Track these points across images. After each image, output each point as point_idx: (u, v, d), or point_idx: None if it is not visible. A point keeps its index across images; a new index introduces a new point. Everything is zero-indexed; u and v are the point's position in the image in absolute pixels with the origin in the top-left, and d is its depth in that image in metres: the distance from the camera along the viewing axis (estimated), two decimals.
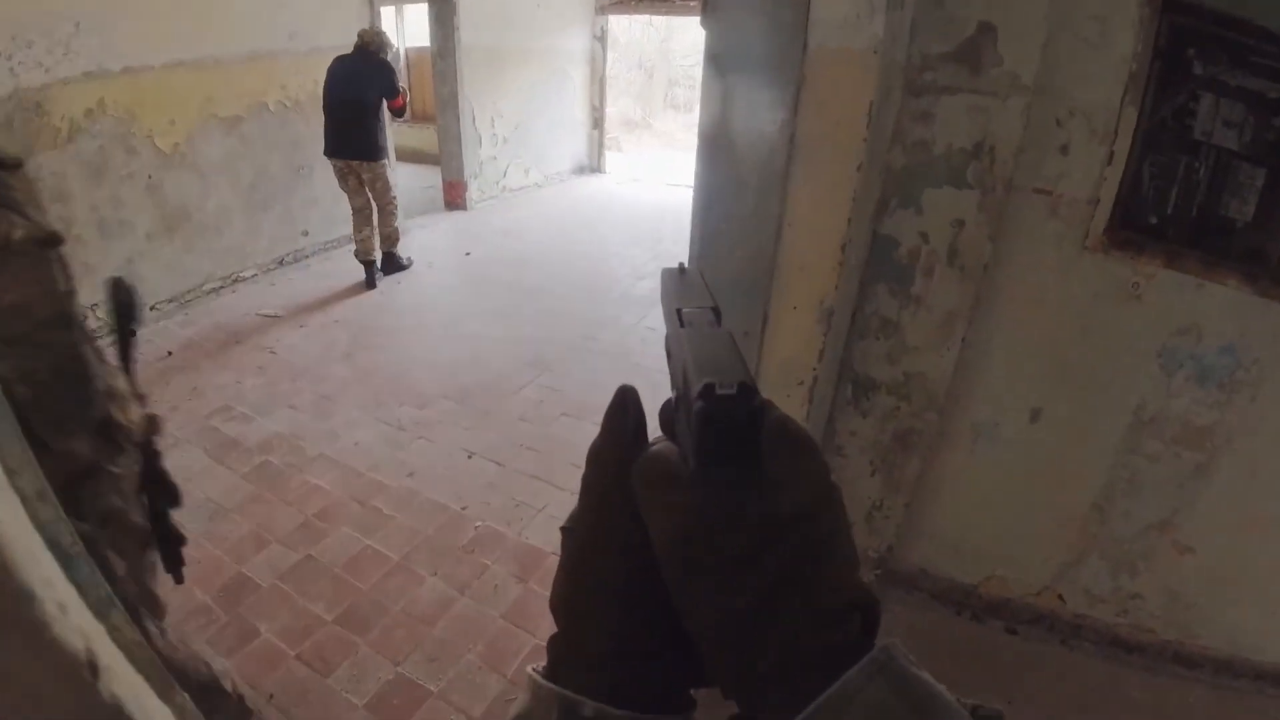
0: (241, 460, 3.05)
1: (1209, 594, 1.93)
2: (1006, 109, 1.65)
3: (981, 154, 1.67)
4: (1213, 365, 1.73)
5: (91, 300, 3.65)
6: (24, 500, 0.40)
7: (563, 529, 0.36)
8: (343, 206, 5.37)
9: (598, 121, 8.77)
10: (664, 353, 0.37)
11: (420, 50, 6.87)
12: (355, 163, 4.63)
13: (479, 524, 2.64)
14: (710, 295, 0.37)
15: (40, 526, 0.41)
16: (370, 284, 4.97)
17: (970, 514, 2.12)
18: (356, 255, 4.93)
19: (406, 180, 6.25)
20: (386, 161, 4.77)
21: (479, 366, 3.86)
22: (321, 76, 5.00)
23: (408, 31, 9.27)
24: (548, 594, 0.37)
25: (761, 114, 1.25)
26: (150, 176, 4.24)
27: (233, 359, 3.96)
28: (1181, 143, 1.61)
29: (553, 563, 2.46)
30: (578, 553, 0.35)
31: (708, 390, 0.26)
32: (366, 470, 2.96)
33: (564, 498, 2.77)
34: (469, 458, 3.04)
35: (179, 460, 3.02)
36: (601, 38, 8.36)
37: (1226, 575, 1.89)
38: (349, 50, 4.54)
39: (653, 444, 0.33)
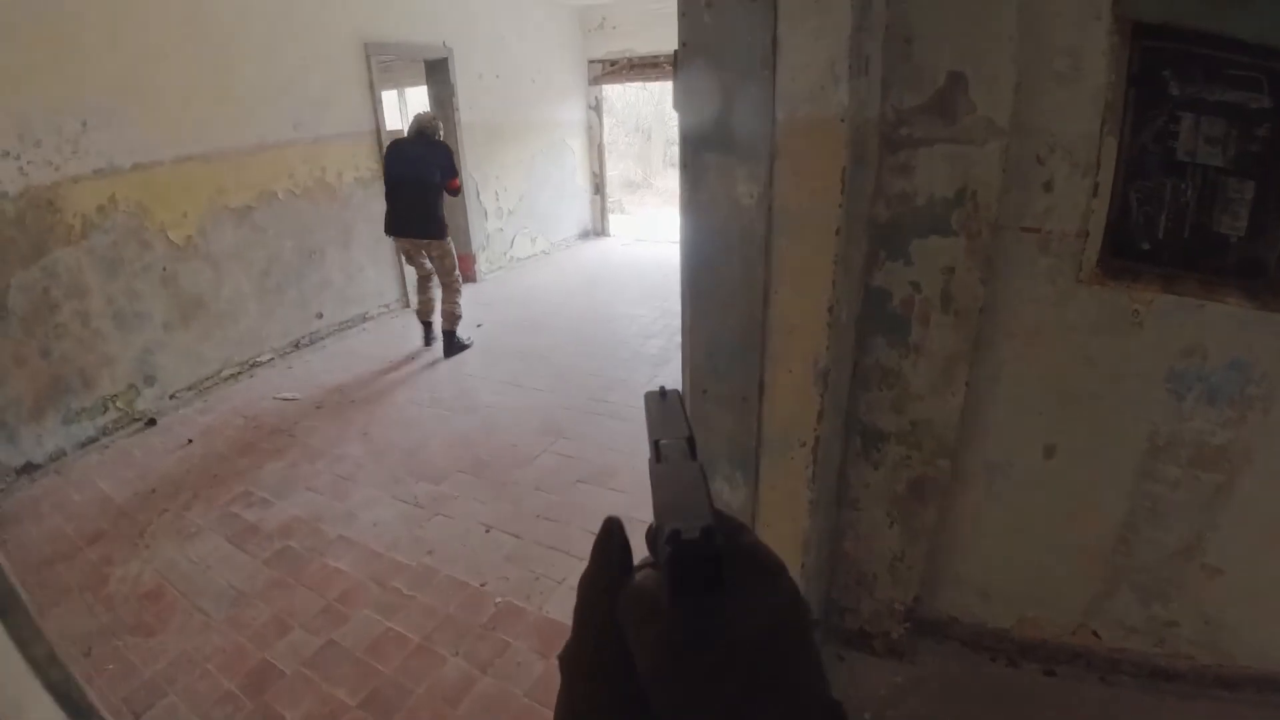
0: (261, 546, 3.06)
1: (1243, 614, 1.87)
2: (985, 154, 1.68)
3: (964, 200, 1.70)
4: (1221, 384, 1.71)
5: (111, 391, 3.74)
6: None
7: (558, 658, 0.37)
8: (355, 287, 5.61)
9: (598, 187, 9.00)
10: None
11: (395, 133, 7.12)
12: (416, 240, 4.85)
13: (499, 600, 2.61)
14: (687, 424, 0.40)
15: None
16: (427, 342, 5.30)
17: (994, 556, 2.08)
18: (418, 315, 5.28)
19: None
20: (450, 239, 4.96)
21: (493, 437, 3.88)
22: (328, 163, 5.26)
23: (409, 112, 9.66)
24: None
25: (739, 187, 1.29)
26: (164, 268, 4.39)
27: (251, 444, 4.01)
28: (1166, 166, 1.62)
29: None
30: (571, 682, 0.37)
31: (674, 536, 0.29)
32: (385, 550, 2.96)
33: (582, 568, 2.74)
34: (486, 532, 3.03)
35: (200, 549, 3.06)
36: (596, 107, 8.65)
37: (1259, 592, 1.83)
38: (404, 134, 4.89)
39: (639, 568, 0.35)
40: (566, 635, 1.19)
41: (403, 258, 5.11)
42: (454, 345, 5.18)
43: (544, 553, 2.86)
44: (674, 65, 1.29)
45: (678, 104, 1.31)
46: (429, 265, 5.03)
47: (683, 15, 1.25)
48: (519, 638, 2.42)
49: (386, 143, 5.38)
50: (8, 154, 3.54)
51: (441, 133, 4.97)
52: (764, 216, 1.27)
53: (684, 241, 1.44)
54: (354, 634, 2.52)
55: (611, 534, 0.36)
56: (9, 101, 3.53)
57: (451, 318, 5.10)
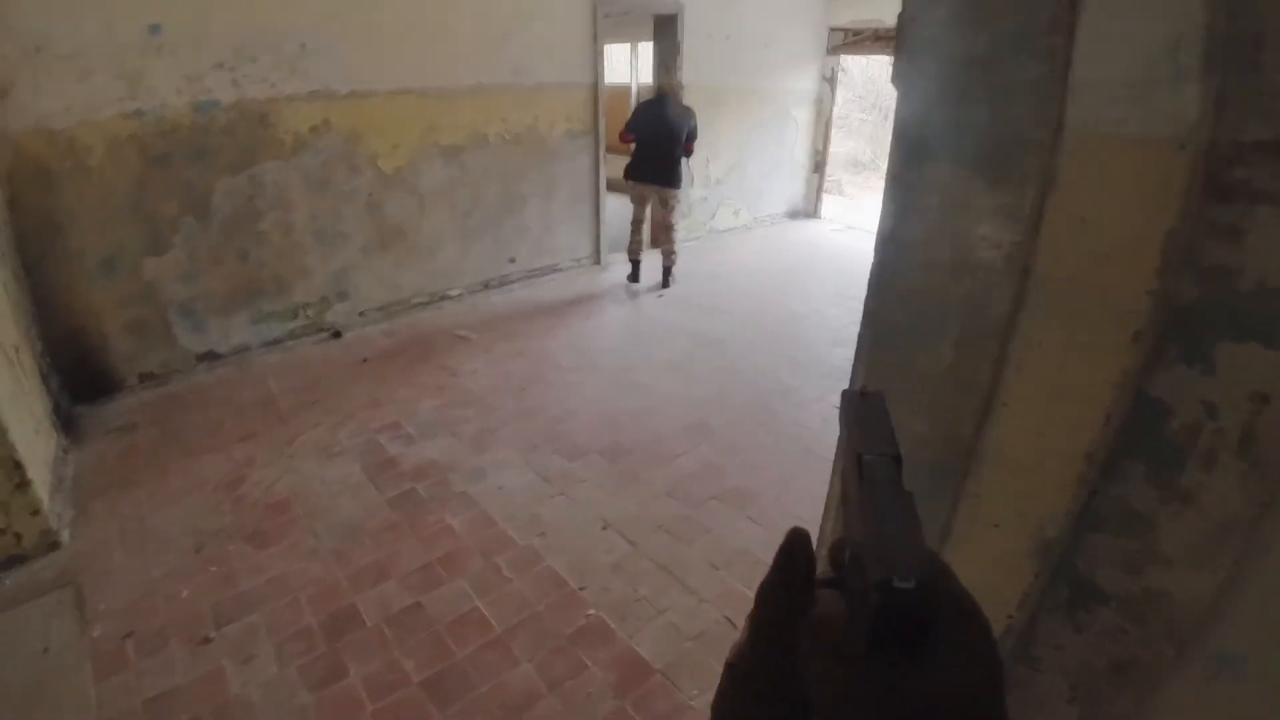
0: (392, 483, 3.08)
1: None
2: None
3: None
4: None
5: (304, 300, 3.99)
6: None
7: (728, 664, 0.35)
8: (551, 238, 5.84)
9: (819, 164, 8.31)
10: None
11: (616, 88, 6.88)
12: (662, 189, 5.47)
13: (591, 612, 2.37)
14: (893, 437, 0.36)
15: None
16: (633, 278, 5.88)
17: None
18: (629, 255, 5.84)
19: (616, 212, 6.30)
20: (681, 190, 5.65)
21: (639, 423, 3.64)
22: (541, 112, 5.24)
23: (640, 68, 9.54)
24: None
25: (975, 229, 0.83)
26: (370, 195, 4.59)
27: (417, 376, 4.12)
28: None
29: (656, 684, 2.11)
30: (738, 692, 0.35)
31: (885, 584, 0.26)
32: (501, 520, 2.84)
33: (689, 604, 2.42)
34: (603, 529, 2.80)
35: (337, 472, 3.14)
36: (831, 78, 7.90)
37: None
38: (652, 94, 5.54)
39: (820, 587, 0.33)
40: (649, 682, 2.02)
41: (634, 203, 5.65)
42: (669, 280, 5.88)
43: (653, 571, 2.57)
44: (901, 13, 0.84)
45: (897, 77, 0.87)
46: (647, 212, 5.72)
47: None
48: (598, 665, 2.16)
49: (607, 99, 5.76)
50: (221, 65, 3.77)
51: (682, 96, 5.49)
52: (1012, 282, 0.80)
53: (870, 295, 0.99)
54: (443, 603, 2.42)
55: (797, 547, 0.34)
56: (226, 18, 3.73)
57: (670, 255, 5.79)
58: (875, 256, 0.98)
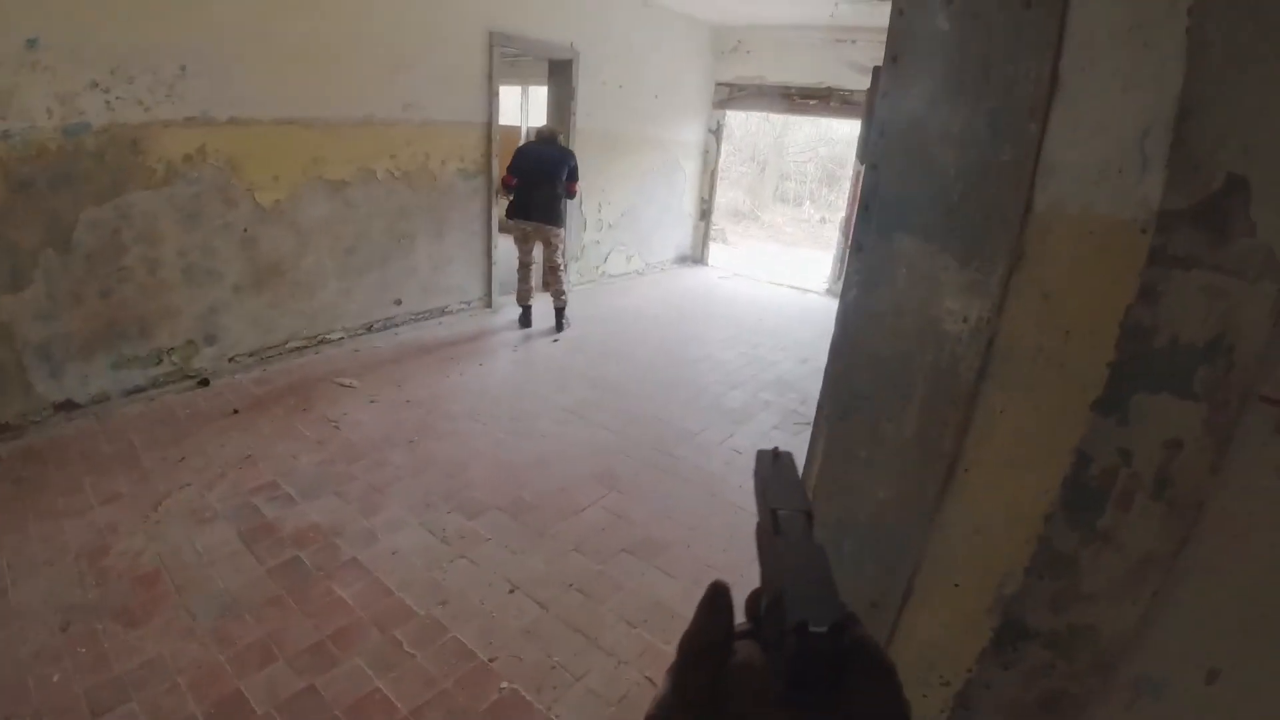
0: (272, 551, 2.80)
1: None
2: (1254, 295, 1.19)
3: (1217, 354, 1.20)
4: None
5: (169, 344, 3.60)
6: None
7: (648, 716, 0.36)
8: (440, 279, 5.71)
9: (705, 213, 8.62)
10: (748, 483, 0.45)
11: (508, 129, 6.89)
12: (544, 226, 5.45)
13: (504, 685, 2.23)
14: (804, 494, 0.39)
15: None
16: (524, 323, 5.84)
17: None
18: (518, 300, 5.83)
19: (508, 253, 6.20)
20: (564, 230, 5.69)
21: (543, 474, 3.53)
22: (433, 149, 5.13)
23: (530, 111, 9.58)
24: None
25: (942, 302, 0.86)
26: (245, 229, 4.25)
27: (296, 428, 3.80)
28: None
29: None
30: None
31: (801, 628, 0.29)
32: (397, 588, 2.64)
33: (607, 667, 2.33)
34: (510, 592, 2.66)
35: (210, 539, 2.83)
36: (716, 131, 8.28)
37: None
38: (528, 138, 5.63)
39: (739, 637, 0.35)
40: None
41: (518, 244, 5.61)
42: (563, 323, 5.85)
43: (567, 635, 2.47)
44: (871, 89, 0.87)
45: (866, 151, 0.89)
46: (534, 255, 5.66)
47: (899, 14, 0.83)
48: None
49: (500, 138, 5.77)
50: (96, 85, 3.43)
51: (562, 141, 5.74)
52: (978, 354, 0.84)
53: (833, 362, 1.00)
54: (339, 685, 2.20)
55: (718, 600, 0.36)
56: (106, 32, 3.42)
57: (561, 296, 5.75)
58: (838, 325, 1.00)
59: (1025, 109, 0.78)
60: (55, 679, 2.13)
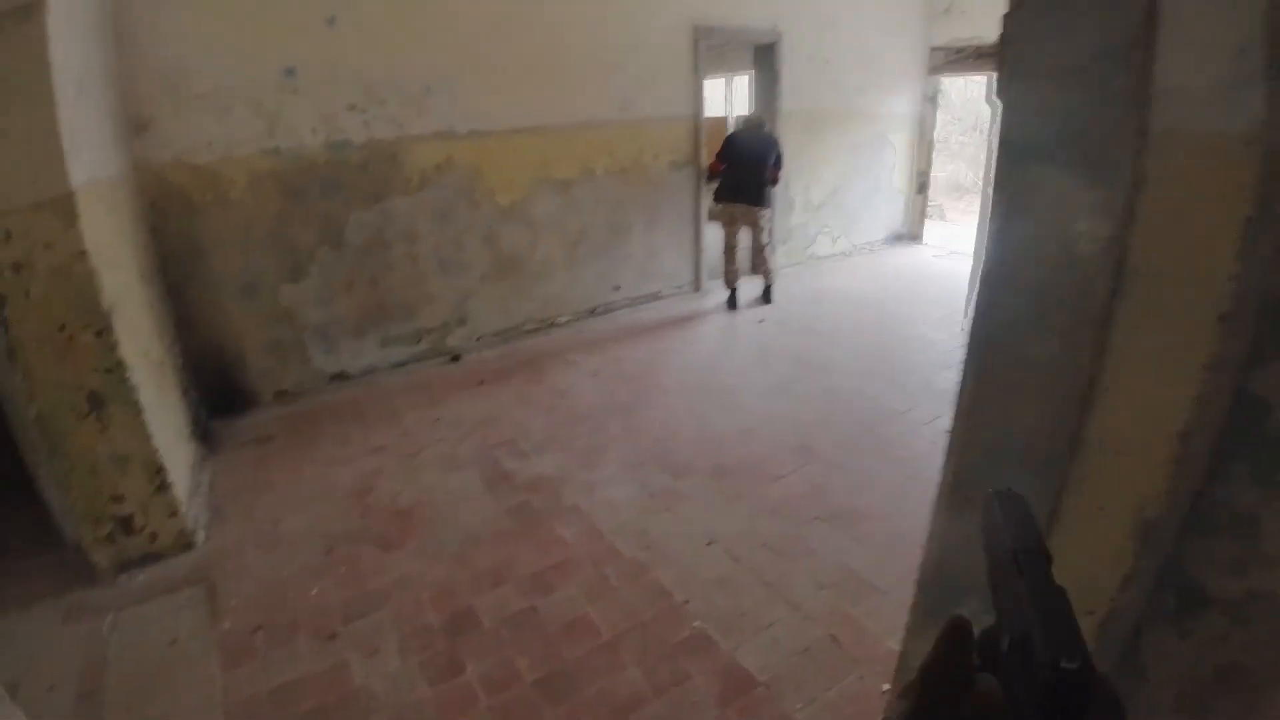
0: (508, 495, 3.27)
1: None
2: None
3: None
4: None
5: (428, 325, 4.30)
6: None
7: None
8: (653, 265, 6.05)
9: (921, 187, 8.13)
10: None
11: (712, 120, 7.02)
12: (751, 208, 5.68)
13: (696, 624, 2.43)
14: (1040, 535, 0.40)
15: None
16: (731, 305, 6.05)
17: None
18: (726, 282, 6.05)
19: (717, 241, 6.42)
20: (770, 210, 5.91)
21: (744, 444, 3.69)
22: (646, 144, 5.49)
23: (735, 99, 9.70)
24: None
25: (1075, 225, 0.88)
26: (489, 227, 4.92)
27: (530, 396, 4.34)
28: None
29: (760, 695, 2.14)
30: None
31: (1054, 664, 0.31)
32: (609, 532, 2.96)
33: (793, 620, 2.44)
34: (707, 544, 2.86)
35: (459, 482, 3.36)
36: (933, 99, 7.76)
37: None
38: (747, 123, 5.88)
39: (980, 671, 0.37)
40: (752, 693, 2.10)
41: (725, 227, 5.84)
42: (769, 296, 6.11)
43: (758, 588, 2.61)
44: (1002, 35, 0.92)
45: (1002, 90, 0.94)
46: (740, 239, 5.87)
47: None
48: (702, 675, 2.22)
49: (706, 130, 5.98)
50: (354, 107, 4.16)
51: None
52: (1109, 272, 0.85)
53: (982, 292, 1.05)
54: (555, 608, 2.54)
55: (960, 633, 0.38)
56: (356, 62, 4.09)
57: (769, 274, 6.03)
58: (986, 254, 1.03)
59: (1134, 38, 0.79)
60: (314, 592, 2.64)
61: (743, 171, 5.58)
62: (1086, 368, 0.90)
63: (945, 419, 3.93)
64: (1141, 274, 0.85)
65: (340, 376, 4.58)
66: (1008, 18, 0.90)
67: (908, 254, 7.85)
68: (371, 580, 2.72)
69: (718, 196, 5.72)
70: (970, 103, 12.35)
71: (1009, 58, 0.91)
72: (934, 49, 7.43)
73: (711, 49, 5.85)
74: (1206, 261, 0.80)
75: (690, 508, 3.14)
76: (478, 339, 5.10)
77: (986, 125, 12.77)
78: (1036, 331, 0.96)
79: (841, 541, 2.86)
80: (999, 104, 0.99)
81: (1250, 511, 1.19)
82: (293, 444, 3.85)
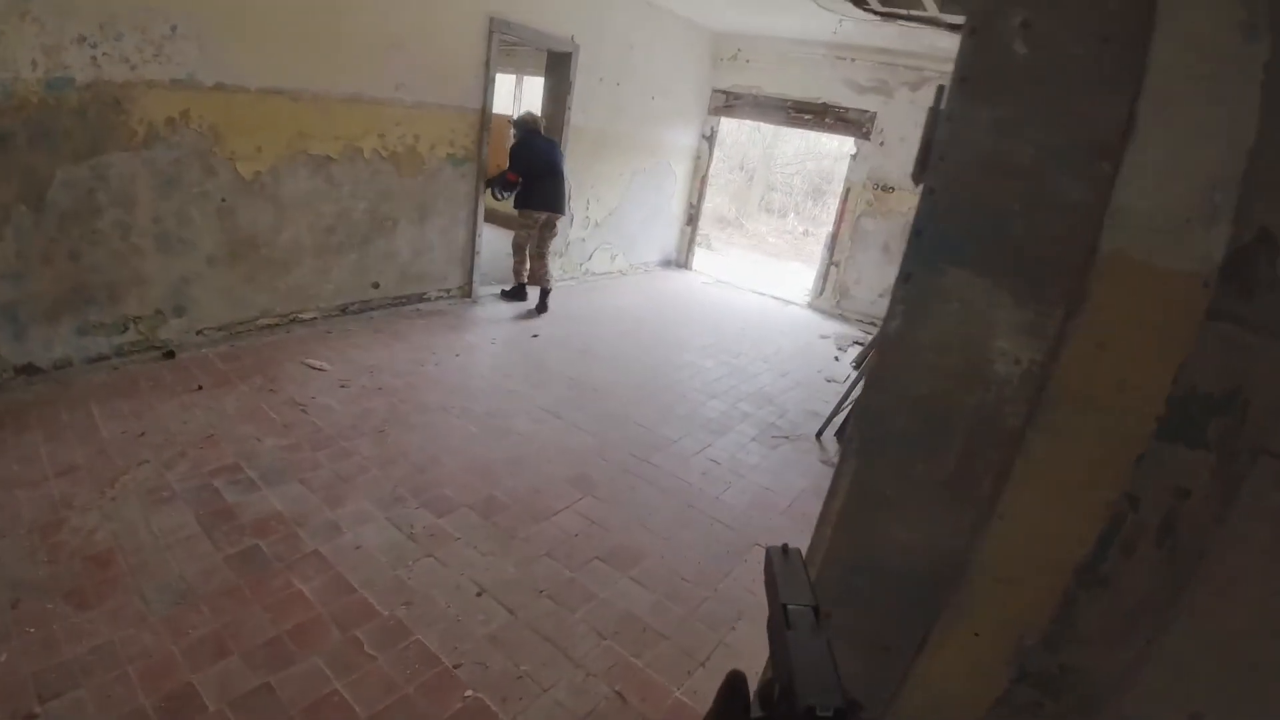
0: (230, 538, 2.68)
1: None
2: (1272, 353, 1.18)
3: (1232, 407, 1.19)
4: None
5: (136, 312, 3.44)
6: None
7: None
8: (419, 265, 5.57)
9: (692, 218, 8.59)
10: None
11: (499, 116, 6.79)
12: (556, 215, 5.79)
13: (468, 694, 2.15)
14: (811, 590, 0.43)
15: None
16: (521, 297, 6.13)
17: None
18: (516, 278, 6.10)
19: (492, 244, 6.11)
20: None
21: (516, 474, 3.45)
22: (423, 132, 5.01)
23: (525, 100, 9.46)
24: None
25: (992, 342, 0.82)
26: (224, 199, 4.11)
27: (261, 409, 3.67)
28: None
29: None
30: None
31: (809, 712, 0.33)
32: (360, 585, 2.54)
33: (576, 679, 2.27)
34: (478, 595, 2.59)
35: (167, 521, 2.70)
36: (710, 137, 8.26)
37: None
38: (532, 125, 5.80)
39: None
40: None
41: (533, 230, 5.85)
42: (545, 305, 6.05)
43: (536, 643, 2.40)
44: (932, 113, 0.83)
45: (923, 173, 0.85)
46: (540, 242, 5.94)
47: (971, 33, 0.79)
48: None
49: (489, 125, 5.63)
50: (83, 39, 3.28)
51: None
52: (1027, 399, 0.80)
53: (867, 396, 0.96)
54: (295, 685, 2.10)
55: (736, 688, 0.40)
56: None
57: (548, 280, 6.09)
58: (878, 355, 0.95)
59: (1099, 148, 0.75)
60: (3, 658, 2.01)
61: (548, 181, 5.64)
62: (985, 492, 0.85)
63: (714, 449, 4.11)
64: (1061, 404, 0.81)
65: (28, 370, 3.51)
66: (951, 90, 0.81)
67: (679, 278, 8.21)
68: (67, 648, 2.07)
69: (529, 205, 5.69)
70: (739, 144, 13.43)
71: (942, 138, 0.82)
72: (715, 90, 7.89)
73: (505, 46, 5.55)
74: (1136, 400, 0.78)
75: (456, 551, 2.83)
76: (199, 333, 4.22)
77: (752, 166, 14.00)
78: (929, 448, 0.89)
79: (621, 584, 2.76)
80: (920, 184, 0.91)
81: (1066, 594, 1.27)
82: None
